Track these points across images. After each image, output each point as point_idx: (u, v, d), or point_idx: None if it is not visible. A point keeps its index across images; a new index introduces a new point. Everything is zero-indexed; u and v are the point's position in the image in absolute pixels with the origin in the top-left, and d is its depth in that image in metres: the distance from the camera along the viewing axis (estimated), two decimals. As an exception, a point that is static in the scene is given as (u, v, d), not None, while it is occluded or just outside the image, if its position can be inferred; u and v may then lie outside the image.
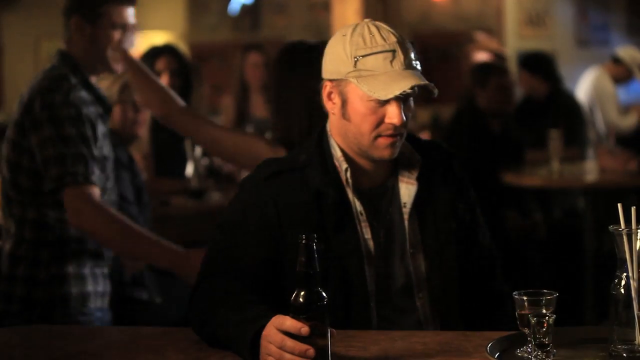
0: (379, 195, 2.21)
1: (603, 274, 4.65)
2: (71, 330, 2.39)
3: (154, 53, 4.74)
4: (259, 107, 5.71)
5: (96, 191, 2.75)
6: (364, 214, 2.18)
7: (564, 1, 10.19)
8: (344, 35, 2.14)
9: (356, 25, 2.15)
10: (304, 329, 1.74)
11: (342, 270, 2.14)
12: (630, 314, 1.78)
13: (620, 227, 1.80)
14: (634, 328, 1.77)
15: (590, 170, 5.19)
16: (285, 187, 2.17)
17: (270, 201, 2.15)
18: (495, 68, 5.41)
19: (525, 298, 1.82)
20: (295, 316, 1.76)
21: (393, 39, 2.11)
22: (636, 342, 1.78)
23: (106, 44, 2.86)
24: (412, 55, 2.12)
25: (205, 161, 4.61)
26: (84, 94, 2.83)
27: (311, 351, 1.74)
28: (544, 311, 1.79)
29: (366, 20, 2.17)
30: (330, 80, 2.16)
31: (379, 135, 2.12)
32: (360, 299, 2.16)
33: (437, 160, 2.27)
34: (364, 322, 2.16)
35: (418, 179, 2.20)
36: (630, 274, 1.78)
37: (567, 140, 5.38)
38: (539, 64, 6.05)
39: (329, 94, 2.17)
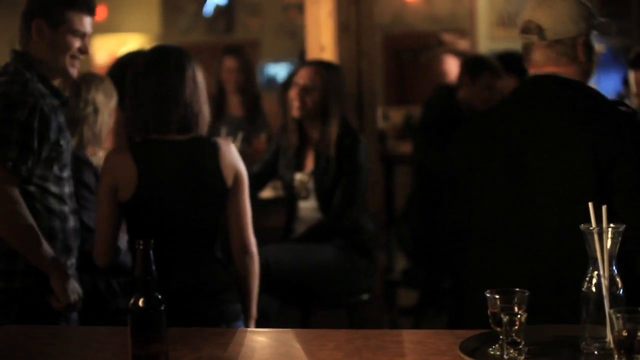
0: None
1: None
2: (45, 331, 2.37)
3: (123, 63, 4.70)
4: (234, 107, 5.79)
5: (15, 182, 2.72)
6: None
7: (536, 3, 10.26)
8: None
9: None
10: None
11: None
12: (602, 312, 1.80)
13: (592, 226, 1.82)
14: (605, 326, 1.79)
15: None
16: None
17: None
18: (490, 66, 5.39)
19: (497, 297, 1.83)
20: (134, 322, 1.77)
21: None
22: (607, 339, 1.79)
23: (65, 49, 2.86)
24: None
25: None
26: (40, 87, 2.83)
27: None
28: (516, 309, 1.81)
29: None
30: None
31: None
32: None
33: None
34: None
35: None
36: (601, 272, 1.80)
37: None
38: (512, 63, 6.06)
39: None
